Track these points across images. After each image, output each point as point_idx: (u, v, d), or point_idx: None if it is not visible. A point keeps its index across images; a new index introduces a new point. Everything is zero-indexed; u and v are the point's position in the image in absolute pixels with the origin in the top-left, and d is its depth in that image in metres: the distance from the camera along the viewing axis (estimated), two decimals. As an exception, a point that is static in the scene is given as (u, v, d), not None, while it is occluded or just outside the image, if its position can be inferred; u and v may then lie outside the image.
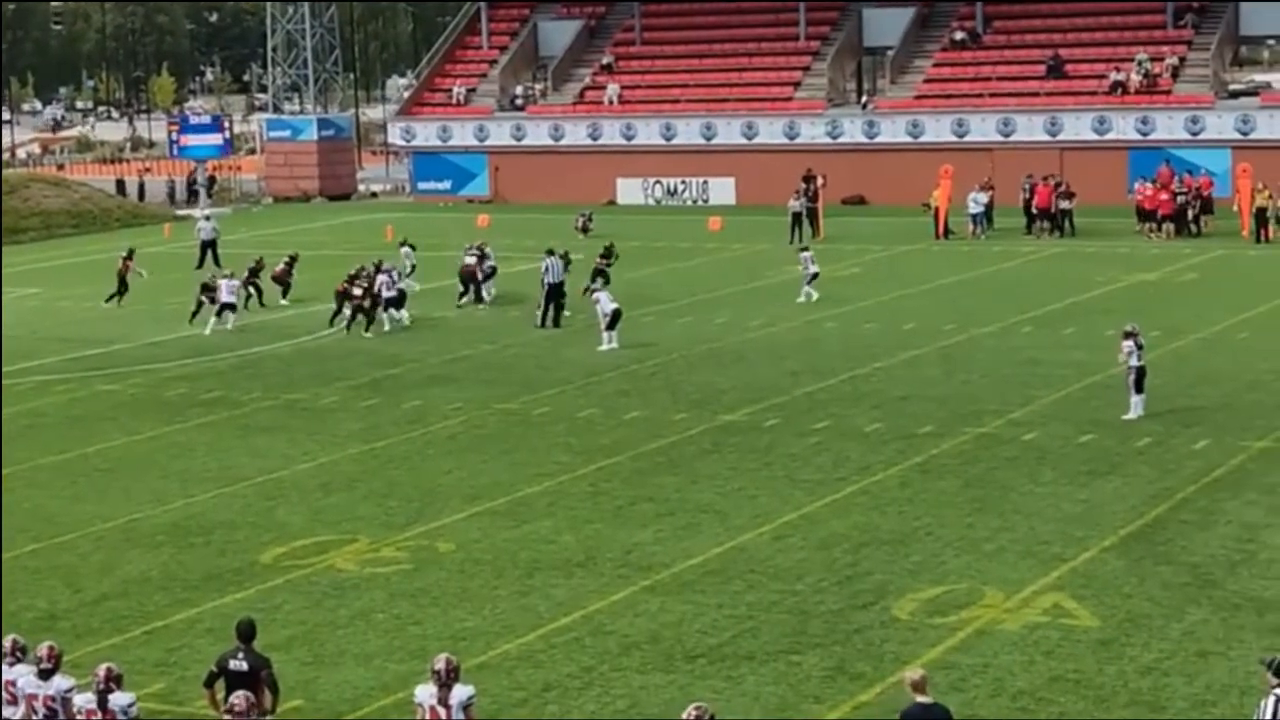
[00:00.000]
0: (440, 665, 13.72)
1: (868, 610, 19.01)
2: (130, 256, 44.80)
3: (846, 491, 23.97)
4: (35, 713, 14.04)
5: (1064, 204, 52.49)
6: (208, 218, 53.73)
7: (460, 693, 13.65)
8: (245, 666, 14.50)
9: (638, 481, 24.89)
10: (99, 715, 13.74)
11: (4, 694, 14.32)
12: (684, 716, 12.69)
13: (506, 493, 24.42)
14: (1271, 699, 12.92)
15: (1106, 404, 28.90)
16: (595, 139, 68.44)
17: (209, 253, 50.79)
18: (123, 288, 43.84)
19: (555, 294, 38.12)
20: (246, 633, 14.78)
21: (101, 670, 13.91)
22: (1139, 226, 51.81)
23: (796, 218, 53.13)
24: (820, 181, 55.30)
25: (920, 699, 13.27)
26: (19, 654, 14.44)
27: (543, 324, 37.92)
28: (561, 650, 18.05)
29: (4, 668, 14.40)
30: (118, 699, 13.76)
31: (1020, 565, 20.42)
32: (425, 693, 13.76)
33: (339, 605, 19.73)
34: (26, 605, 20.03)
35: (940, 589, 19.66)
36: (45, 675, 14.08)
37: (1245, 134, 58.99)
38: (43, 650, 14.22)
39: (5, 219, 62.13)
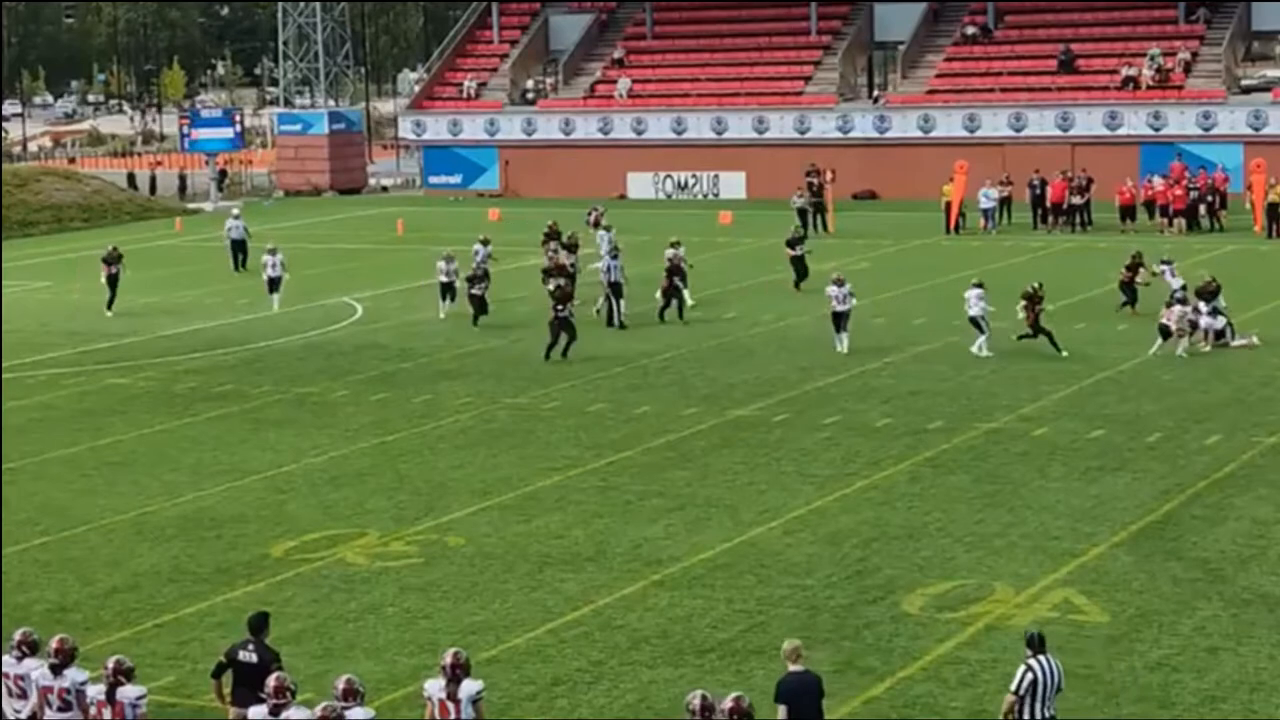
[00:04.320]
0: (448, 660, 13.73)
1: (877, 605, 19.01)
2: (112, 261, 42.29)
3: (856, 486, 23.97)
4: (49, 706, 14.05)
5: (1075, 199, 52.36)
6: (237, 216, 50.96)
7: (469, 687, 13.64)
8: (255, 659, 14.52)
9: (647, 476, 24.89)
10: (108, 708, 13.76)
11: (12, 687, 14.34)
12: (689, 704, 12.80)
13: (516, 487, 24.43)
14: (1022, 668, 13.98)
15: (1117, 399, 28.90)
16: (606, 133, 68.44)
17: (240, 254, 48.67)
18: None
19: (618, 292, 37.50)
20: (257, 625, 14.81)
21: (110, 663, 13.93)
22: (1122, 222, 51.87)
23: (802, 214, 53.17)
24: (829, 176, 55.30)
25: (793, 668, 13.91)
26: (25, 648, 14.43)
27: (610, 323, 37.33)
28: (571, 645, 18.06)
29: (10, 661, 14.42)
30: (126, 692, 13.77)
31: (1030, 561, 20.41)
32: (434, 686, 13.77)
33: (349, 599, 19.75)
34: (37, 598, 20.07)
35: (950, 584, 19.65)
36: (57, 669, 14.09)
37: (1257, 129, 58.95)
38: (54, 643, 14.23)
39: (16, 212, 62.27)
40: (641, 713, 16.34)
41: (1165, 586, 19.34)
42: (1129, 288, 36.69)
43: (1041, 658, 14.02)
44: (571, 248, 41.55)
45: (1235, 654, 17.24)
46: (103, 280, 41.98)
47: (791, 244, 42.32)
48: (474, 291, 37.73)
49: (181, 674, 17.46)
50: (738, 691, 13.29)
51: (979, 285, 33.59)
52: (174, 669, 17.61)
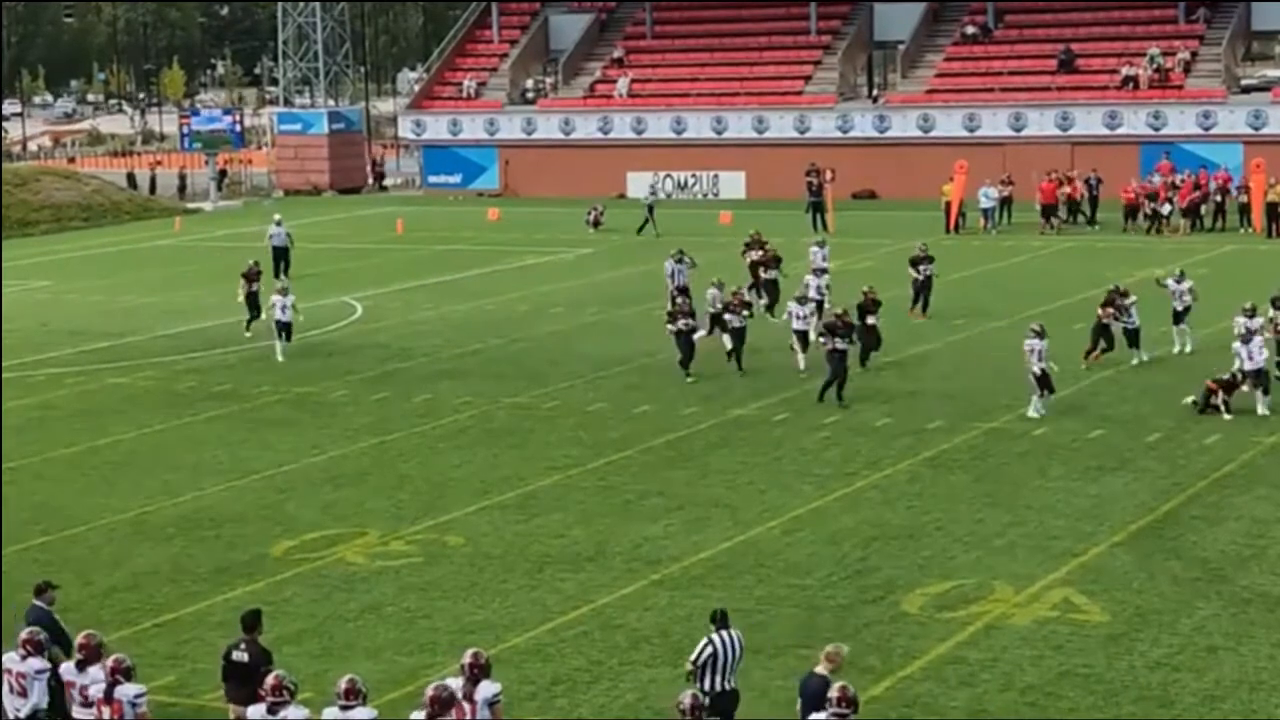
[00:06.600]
0: (468, 659, 13.62)
1: (877, 605, 19.02)
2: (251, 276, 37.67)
3: (856, 486, 23.97)
4: (72, 700, 14.23)
5: (1136, 201, 51.94)
6: (279, 222, 47.65)
7: (486, 689, 13.48)
8: (246, 658, 14.62)
9: (647, 476, 24.89)
10: (107, 706, 13.78)
11: (13, 684, 14.35)
12: (679, 704, 12.89)
13: (516, 486, 24.43)
14: (704, 640, 14.65)
15: (1117, 399, 28.91)
16: (606, 133, 68.43)
17: (282, 262, 45.64)
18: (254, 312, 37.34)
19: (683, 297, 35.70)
20: (249, 623, 14.88)
21: (110, 661, 13.96)
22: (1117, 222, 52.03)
23: (650, 210, 54.51)
24: (829, 176, 55.35)
25: (820, 670, 13.88)
26: (28, 647, 14.44)
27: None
28: (570, 644, 18.07)
29: (13, 658, 14.44)
30: (125, 690, 13.80)
31: (1030, 560, 20.41)
32: (454, 685, 13.70)
33: (349, 599, 19.75)
34: (37, 598, 20.06)
35: (950, 584, 19.65)
36: (81, 666, 14.15)
37: (1257, 129, 58.94)
38: (80, 639, 14.35)
39: (16, 212, 62.26)
40: (641, 713, 16.35)
41: (1165, 586, 19.34)
42: (1106, 330, 31.71)
43: (723, 632, 14.64)
44: (775, 261, 38.65)
45: (1235, 654, 17.25)
46: (240, 299, 37.28)
47: (915, 263, 37.43)
48: (679, 327, 31.48)
49: (181, 674, 17.47)
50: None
51: (1253, 332, 28.16)
52: (174, 668, 17.62)
